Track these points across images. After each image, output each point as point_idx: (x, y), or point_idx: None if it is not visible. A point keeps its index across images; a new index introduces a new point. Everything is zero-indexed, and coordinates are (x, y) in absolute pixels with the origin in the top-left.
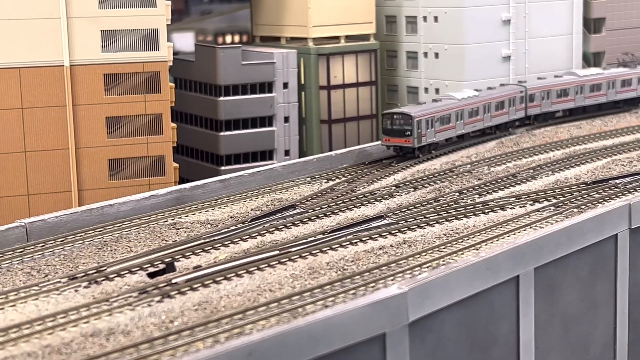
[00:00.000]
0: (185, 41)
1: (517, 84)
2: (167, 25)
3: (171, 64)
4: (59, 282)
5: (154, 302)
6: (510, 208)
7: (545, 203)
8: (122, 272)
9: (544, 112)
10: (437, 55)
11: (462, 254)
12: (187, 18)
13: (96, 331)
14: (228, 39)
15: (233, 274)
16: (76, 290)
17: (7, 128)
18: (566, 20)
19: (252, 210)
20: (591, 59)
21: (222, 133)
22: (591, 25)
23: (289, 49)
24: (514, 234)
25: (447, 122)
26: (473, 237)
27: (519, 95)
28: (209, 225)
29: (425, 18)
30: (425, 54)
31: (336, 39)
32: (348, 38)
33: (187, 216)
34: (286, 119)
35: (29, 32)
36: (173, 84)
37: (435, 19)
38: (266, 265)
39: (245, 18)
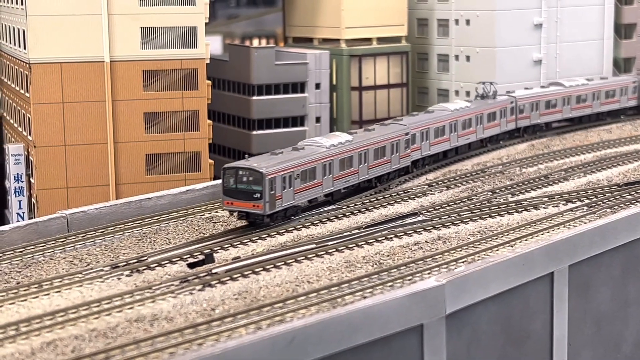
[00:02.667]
0: (213, 44)
1: (398, 123)
2: (205, 23)
3: (208, 61)
4: (102, 270)
5: (195, 290)
6: (544, 207)
7: (578, 203)
8: (163, 262)
9: (424, 156)
10: (468, 58)
11: (497, 250)
12: (214, 22)
13: (140, 317)
14: (255, 42)
15: (271, 266)
16: (119, 278)
17: (47, 122)
18: (597, 26)
19: None
20: (622, 65)
21: (254, 132)
22: (622, 30)
23: (322, 50)
24: (548, 232)
25: (312, 177)
26: (507, 235)
27: (403, 138)
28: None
29: (457, 21)
30: (457, 57)
31: (368, 40)
32: (380, 40)
33: (223, 210)
34: (318, 119)
35: (70, 28)
36: (210, 82)
37: (467, 22)
38: (304, 257)
39: (272, 22)
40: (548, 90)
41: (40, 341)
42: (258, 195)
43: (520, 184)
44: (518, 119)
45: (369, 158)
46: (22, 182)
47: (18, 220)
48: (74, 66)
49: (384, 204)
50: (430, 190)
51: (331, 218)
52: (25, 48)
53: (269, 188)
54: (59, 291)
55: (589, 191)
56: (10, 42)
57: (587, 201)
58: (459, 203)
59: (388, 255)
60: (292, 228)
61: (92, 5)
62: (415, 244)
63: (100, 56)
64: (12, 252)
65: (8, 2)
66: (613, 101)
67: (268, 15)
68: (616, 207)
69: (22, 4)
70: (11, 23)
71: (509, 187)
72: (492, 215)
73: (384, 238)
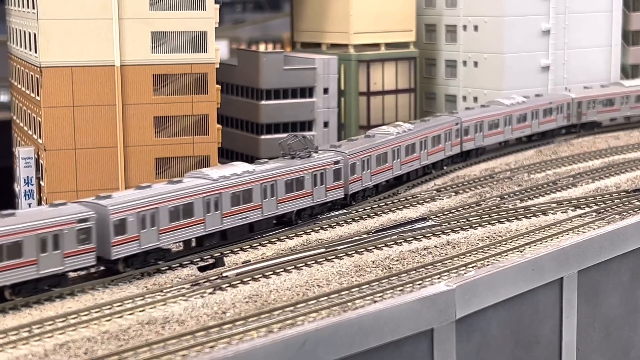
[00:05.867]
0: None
1: (201, 178)
2: (215, 27)
3: (218, 66)
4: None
5: (206, 293)
6: (552, 213)
7: (587, 209)
8: (174, 265)
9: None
10: (476, 64)
11: (506, 255)
12: (220, 26)
13: (152, 319)
14: (261, 47)
15: (282, 270)
16: (130, 281)
17: (58, 125)
18: (605, 32)
19: None
20: (629, 71)
21: (262, 136)
22: (630, 37)
23: (330, 55)
24: (557, 238)
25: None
26: (516, 240)
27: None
28: None
29: (465, 27)
30: (465, 63)
31: (376, 46)
32: (388, 45)
33: None
34: (325, 124)
35: (81, 32)
36: (219, 86)
37: (475, 28)
38: (313, 262)
39: (278, 27)
40: (377, 141)
41: (53, 343)
42: None
43: (529, 190)
44: (351, 182)
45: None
46: (32, 185)
47: None
48: (84, 70)
49: (393, 209)
50: (439, 196)
51: (340, 222)
52: (36, 52)
53: None
54: (71, 293)
55: (598, 197)
56: (21, 46)
57: (595, 207)
58: (468, 208)
59: (397, 260)
60: (302, 232)
61: (103, 9)
62: (425, 248)
63: (111, 60)
64: None
65: (19, 6)
66: (438, 150)
67: (274, 20)
68: (625, 213)
69: (33, 8)
70: (22, 27)
71: (518, 193)
72: (501, 220)
73: (393, 243)
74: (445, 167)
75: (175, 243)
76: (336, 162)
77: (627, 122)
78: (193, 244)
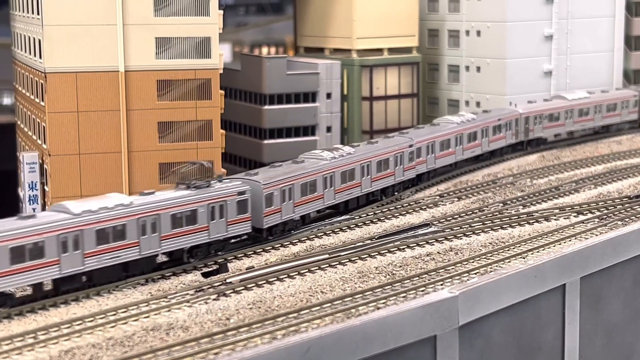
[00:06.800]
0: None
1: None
2: (219, 33)
3: (222, 71)
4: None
5: (210, 300)
6: (555, 219)
7: (589, 215)
8: (177, 272)
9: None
10: (478, 69)
11: (509, 262)
12: (223, 29)
13: (156, 325)
14: (264, 50)
15: (285, 276)
16: (134, 287)
17: (62, 131)
18: (608, 37)
19: None
20: (632, 76)
21: (265, 141)
22: (632, 42)
23: (333, 60)
24: (560, 244)
25: None
26: (519, 246)
27: None
28: None
29: (467, 32)
30: (467, 68)
31: (379, 51)
32: (391, 50)
33: None
34: (328, 129)
35: (86, 37)
36: (223, 92)
37: (478, 33)
38: (317, 268)
39: (280, 30)
40: (306, 168)
41: (58, 349)
42: None
43: (531, 195)
44: (265, 215)
45: None
46: (37, 190)
47: None
48: (89, 75)
49: (396, 214)
50: (442, 201)
51: (343, 228)
52: (41, 57)
53: None
54: (76, 299)
55: (600, 203)
56: (26, 51)
57: (598, 213)
58: (471, 214)
59: (400, 266)
60: (305, 238)
61: (107, 15)
62: (428, 255)
63: (115, 66)
64: None
65: (24, 12)
66: (386, 175)
67: (276, 24)
68: (627, 220)
69: (38, 14)
70: (27, 32)
71: (520, 199)
72: (504, 226)
73: (396, 249)
74: (396, 193)
75: (21, 288)
76: (241, 193)
77: (571, 137)
78: (49, 287)
